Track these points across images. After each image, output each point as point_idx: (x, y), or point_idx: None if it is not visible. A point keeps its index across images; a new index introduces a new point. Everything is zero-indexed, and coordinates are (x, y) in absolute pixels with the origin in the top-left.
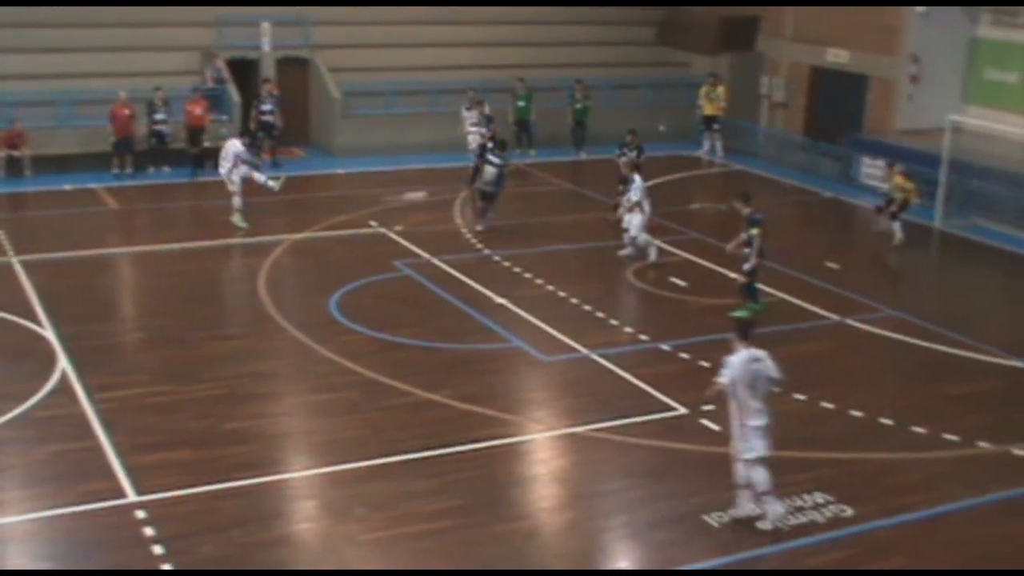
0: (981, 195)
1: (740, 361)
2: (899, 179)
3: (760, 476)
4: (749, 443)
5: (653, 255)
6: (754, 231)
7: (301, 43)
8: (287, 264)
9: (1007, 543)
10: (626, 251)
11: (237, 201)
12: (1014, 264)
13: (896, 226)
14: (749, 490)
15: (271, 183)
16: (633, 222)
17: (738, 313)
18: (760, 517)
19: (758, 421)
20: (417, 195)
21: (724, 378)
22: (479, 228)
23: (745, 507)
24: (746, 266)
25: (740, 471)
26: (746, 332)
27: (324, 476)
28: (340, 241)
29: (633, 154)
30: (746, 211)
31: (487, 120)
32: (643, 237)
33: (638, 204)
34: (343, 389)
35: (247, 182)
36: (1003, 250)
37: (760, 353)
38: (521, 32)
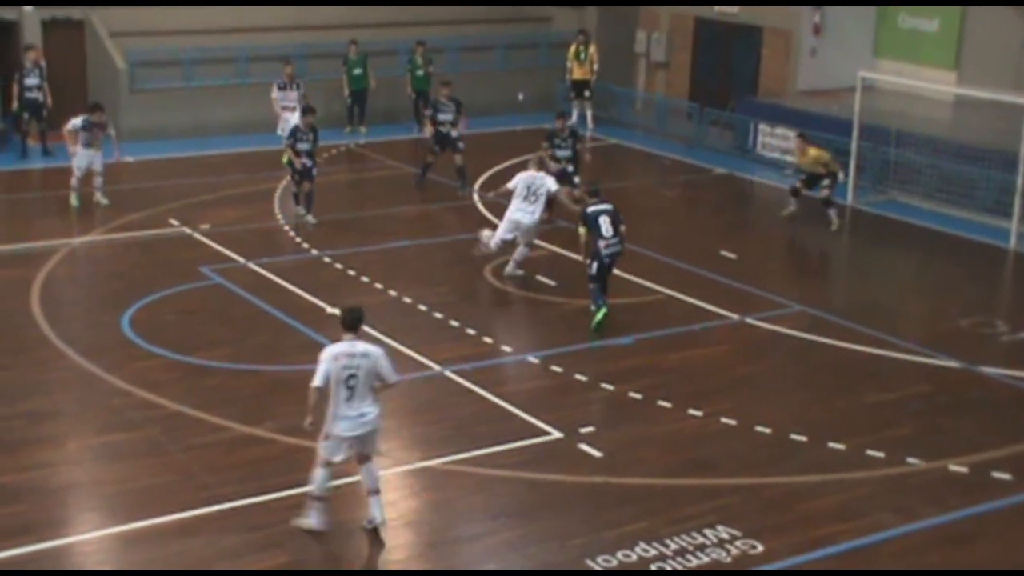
0: (899, 165)
1: (332, 354)
2: (814, 152)
3: (317, 477)
4: (327, 442)
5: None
6: (580, 230)
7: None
8: (67, 275)
9: None
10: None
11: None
12: (937, 246)
13: (832, 213)
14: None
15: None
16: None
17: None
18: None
19: (338, 426)
20: (489, 237)
21: (318, 379)
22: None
23: (374, 512)
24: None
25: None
26: (353, 323)
27: (121, 536)
28: (133, 245)
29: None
30: (589, 202)
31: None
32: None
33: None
34: (141, 427)
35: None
36: (925, 229)
37: (370, 348)
38: None
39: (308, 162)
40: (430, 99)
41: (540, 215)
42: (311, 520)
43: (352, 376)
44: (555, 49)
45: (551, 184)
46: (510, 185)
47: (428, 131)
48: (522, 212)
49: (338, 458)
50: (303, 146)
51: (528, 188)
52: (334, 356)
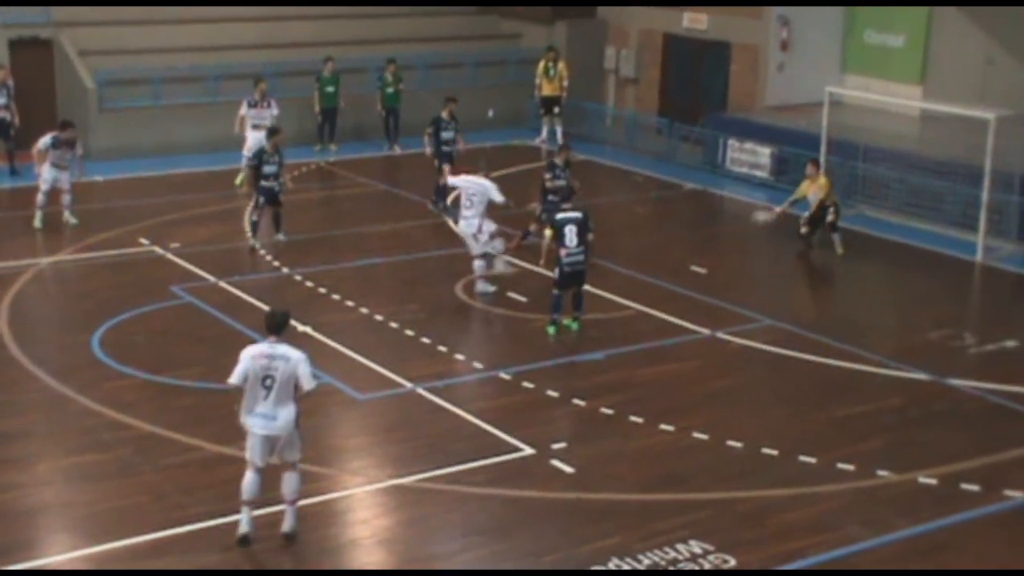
0: (867, 179)
1: (250, 354)
2: (824, 179)
3: (245, 481)
4: (247, 442)
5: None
6: (546, 232)
7: (41, 19)
8: (36, 295)
9: None
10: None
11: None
12: (906, 259)
13: (836, 237)
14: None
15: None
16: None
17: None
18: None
19: (250, 421)
20: (767, 215)
21: (235, 377)
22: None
23: (288, 520)
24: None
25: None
26: (276, 325)
27: (93, 558)
28: (103, 265)
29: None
30: (561, 208)
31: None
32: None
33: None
34: (112, 447)
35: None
36: (894, 243)
37: (291, 352)
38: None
39: (275, 185)
40: (432, 116)
41: (478, 223)
42: (242, 521)
43: (269, 377)
44: (525, 66)
45: (495, 196)
46: (457, 182)
47: (428, 150)
48: (462, 220)
49: (258, 460)
50: (269, 169)
51: (466, 192)
52: (252, 355)
